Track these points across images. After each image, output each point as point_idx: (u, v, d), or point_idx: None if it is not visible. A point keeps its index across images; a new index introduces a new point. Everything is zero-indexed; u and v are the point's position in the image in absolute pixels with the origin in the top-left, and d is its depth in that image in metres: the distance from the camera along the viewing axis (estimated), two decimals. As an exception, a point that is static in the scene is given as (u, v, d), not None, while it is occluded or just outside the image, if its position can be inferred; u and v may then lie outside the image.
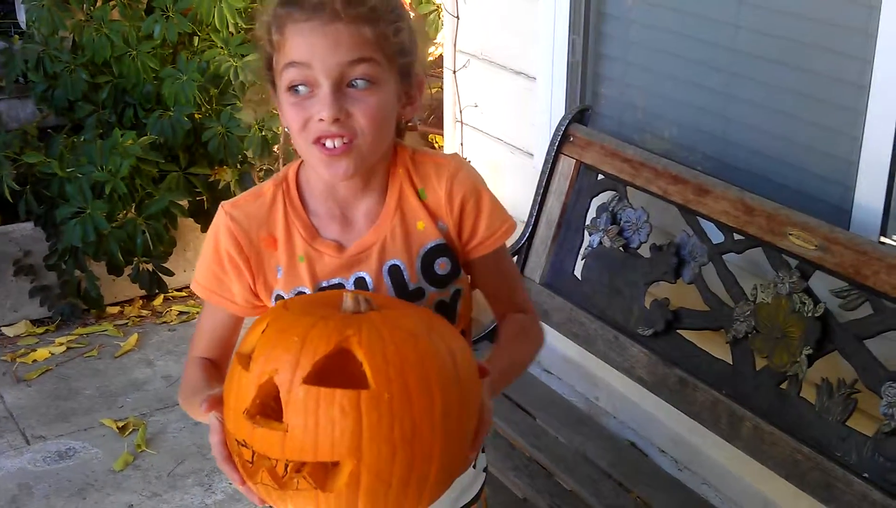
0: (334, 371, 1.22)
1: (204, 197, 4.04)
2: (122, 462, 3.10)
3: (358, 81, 1.38)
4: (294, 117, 1.40)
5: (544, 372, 3.04)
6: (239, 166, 4.04)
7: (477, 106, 3.40)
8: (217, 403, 1.33)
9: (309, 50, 1.37)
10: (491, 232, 1.53)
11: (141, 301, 4.12)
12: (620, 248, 2.52)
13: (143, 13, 4.11)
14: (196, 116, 3.99)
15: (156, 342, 3.85)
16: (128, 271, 3.88)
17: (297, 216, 1.50)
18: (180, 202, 3.91)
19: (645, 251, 2.48)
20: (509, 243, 1.74)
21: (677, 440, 2.73)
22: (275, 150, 3.85)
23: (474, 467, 1.62)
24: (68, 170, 3.71)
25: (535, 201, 2.76)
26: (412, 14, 3.78)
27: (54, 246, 3.81)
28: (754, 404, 2.13)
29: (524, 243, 2.75)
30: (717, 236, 2.29)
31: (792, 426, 2.04)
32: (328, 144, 1.39)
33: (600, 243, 2.57)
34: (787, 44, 2.35)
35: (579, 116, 2.73)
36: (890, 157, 2.09)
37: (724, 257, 2.27)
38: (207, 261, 1.52)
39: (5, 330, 3.88)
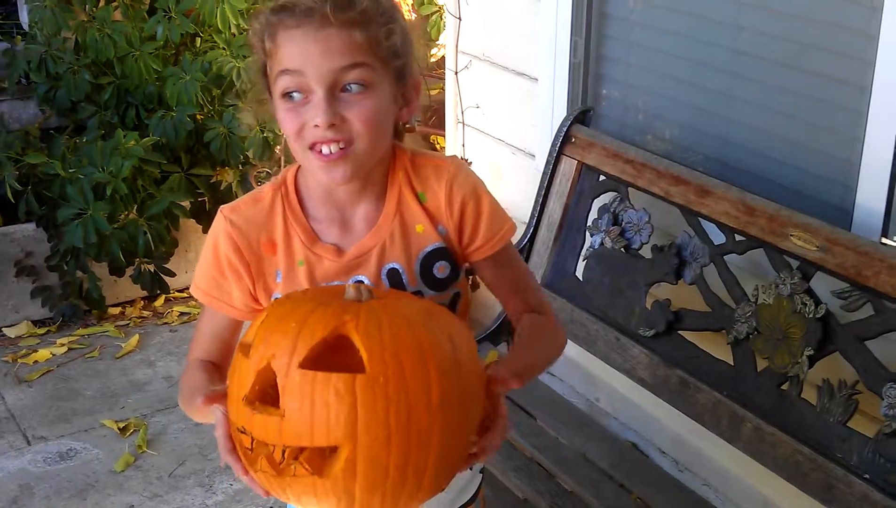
0: (335, 360, 1.22)
1: (206, 198, 4.05)
2: (122, 462, 3.10)
3: (351, 86, 1.38)
4: (289, 124, 1.40)
5: (545, 373, 3.03)
6: (241, 167, 4.05)
7: (479, 107, 3.41)
8: (219, 397, 1.33)
9: (301, 57, 1.37)
10: (491, 235, 1.53)
11: (142, 302, 4.13)
12: (622, 249, 2.52)
13: (146, 14, 4.12)
14: (198, 116, 3.99)
15: (157, 343, 3.85)
16: (129, 271, 3.88)
17: (296, 221, 1.50)
18: (182, 203, 3.91)
19: (646, 252, 2.48)
20: (510, 244, 1.73)
21: (678, 441, 2.73)
22: (276, 151, 3.86)
23: (471, 468, 1.61)
24: (70, 171, 3.72)
25: (536, 201, 2.76)
26: (414, 15, 3.79)
27: (56, 247, 3.81)
28: (755, 405, 2.12)
29: (525, 243, 2.75)
30: (718, 237, 2.29)
31: (793, 427, 2.04)
32: (324, 149, 1.39)
33: (602, 243, 2.57)
34: (789, 45, 2.35)
35: (581, 117, 2.73)
36: (891, 158, 2.09)
37: (725, 257, 2.26)
38: (207, 266, 1.52)
39: (7, 331, 3.89)
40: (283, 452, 1.22)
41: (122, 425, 3.30)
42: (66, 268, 3.83)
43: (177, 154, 3.97)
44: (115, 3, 4.09)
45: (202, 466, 3.10)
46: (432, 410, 1.21)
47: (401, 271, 1.49)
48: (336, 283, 1.49)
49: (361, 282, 1.49)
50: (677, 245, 2.37)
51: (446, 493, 1.38)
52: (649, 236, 2.48)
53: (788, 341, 2.07)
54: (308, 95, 1.38)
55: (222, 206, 1.52)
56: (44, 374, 3.62)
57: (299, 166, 1.52)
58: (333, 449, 1.20)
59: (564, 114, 2.84)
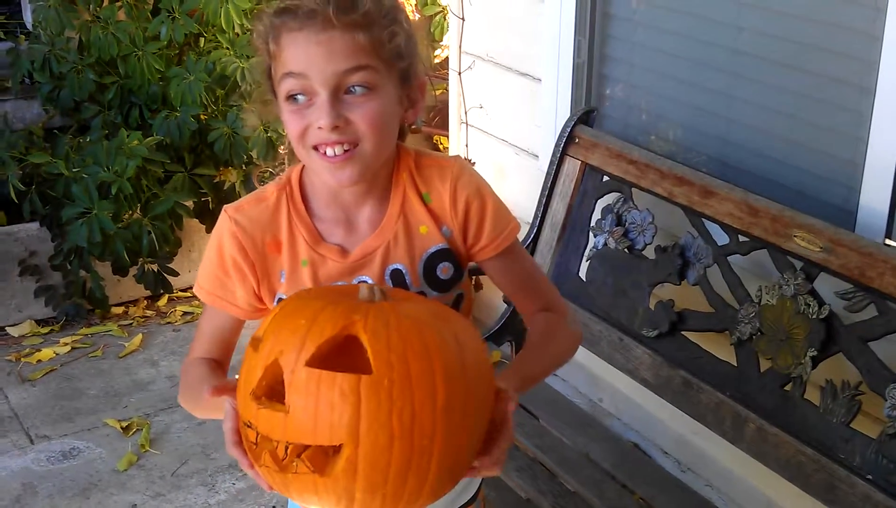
0: (345, 360, 1.21)
1: (209, 198, 4.05)
2: (125, 461, 3.11)
3: (355, 88, 1.38)
4: (293, 126, 1.40)
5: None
6: (244, 167, 4.05)
7: (482, 107, 3.41)
8: (227, 390, 1.33)
9: (304, 60, 1.37)
10: (496, 234, 1.53)
11: (146, 302, 4.13)
12: (625, 249, 2.52)
13: (150, 14, 4.12)
14: (202, 116, 3.99)
15: (160, 343, 3.86)
16: (133, 271, 3.89)
17: (300, 221, 1.49)
18: (186, 203, 3.92)
19: (650, 253, 2.48)
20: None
21: (681, 442, 2.73)
22: (280, 151, 3.86)
23: None
24: (74, 170, 3.72)
25: (539, 202, 2.76)
26: (417, 16, 3.79)
27: (60, 246, 3.81)
28: (758, 405, 2.12)
29: (529, 244, 2.75)
30: (721, 238, 2.29)
31: (796, 427, 2.04)
32: (329, 151, 1.39)
33: (605, 244, 2.57)
34: (793, 46, 2.35)
35: (585, 117, 2.73)
36: (895, 159, 2.09)
37: (728, 258, 2.26)
38: (211, 266, 1.52)
39: (10, 330, 3.89)
40: (287, 448, 1.22)
41: (124, 424, 3.30)
42: (69, 267, 3.84)
43: (180, 154, 3.98)
44: (118, 3, 4.10)
45: (205, 465, 3.10)
46: (437, 415, 1.20)
47: (404, 271, 1.49)
48: (340, 283, 1.48)
49: (368, 282, 1.49)
50: (681, 246, 2.37)
51: None
52: (653, 236, 2.48)
53: (792, 342, 2.07)
54: (312, 97, 1.38)
55: (226, 205, 1.52)
56: (47, 373, 3.63)
57: (303, 166, 1.51)
58: (337, 449, 1.20)
59: (568, 114, 2.85)
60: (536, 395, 2.70)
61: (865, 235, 2.08)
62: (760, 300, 2.15)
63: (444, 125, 3.71)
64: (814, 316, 2.04)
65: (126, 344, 3.81)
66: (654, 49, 2.77)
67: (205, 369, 1.53)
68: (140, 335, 3.87)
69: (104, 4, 4.11)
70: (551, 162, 2.75)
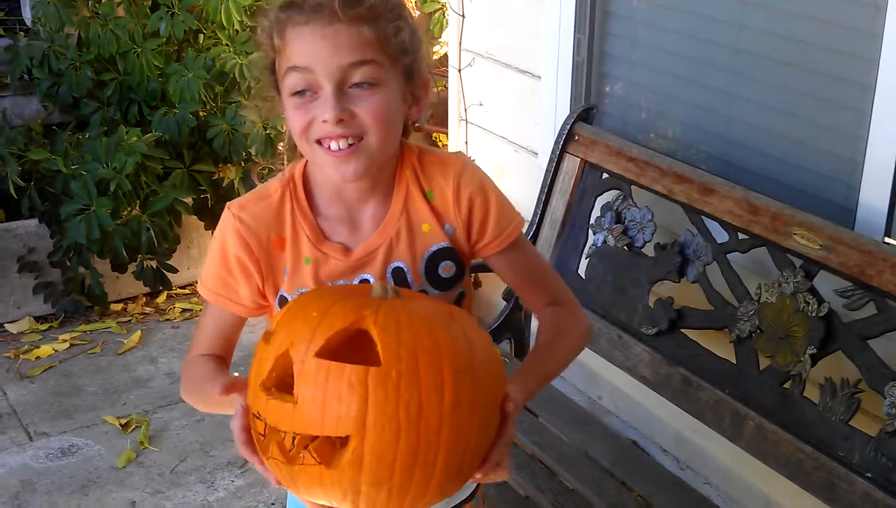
0: (356, 355, 1.21)
1: (208, 195, 4.05)
2: (124, 458, 3.11)
3: (360, 83, 1.37)
4: (297, 120, 1.39)
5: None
6: (243, 164, 4.05)
7: (482, 105, 3.41)
8: (238, 387, 1.33)
9: (310, 54, 1.36)
10: (500, 230, 1.53)
11: (144, 299, 4.13)
12: (625, 247, 2.52)
13: (149, 10, 4.12)
14: (201, 113, 3.99)
15: (159, 340, 3.85)
16: (132, 268, 3.89)
17: (304, 218, 1.48)
18: (185, 200, 3.91)
19: (649, 250, 2.48)
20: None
21: (680, 440, 2.73)
22: (279, 148, 3.86)
23: None
24: (73, 167, 3.72)
25: (539, 199, 2.76)
26: (417, 13, 3.79)
27: (58, 243, 3.81)
28: (758, 403, 2.13)
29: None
30: (721, 236, 2.29)
31: (795, 425, 2.04)
32: (333, 145, 1.38)
33: (604, 241, 2.57)
34: (793, 44, 2.35)
35: (584, 115, 2.73)
36: (895, 157, 2.09)
37: (728, 256, 2.26)
38: (214, 264, 1.51)
39: (9, 327, 3.89)
40: (294, 439, 1.22)
41: (123, 421, 3.30)
42: (68, 264, 3.84)
43: (179, 151, 3.97)
44: (118, 0, 4.10)
45: (204, 462, 3.10)
46: (444, 409, 1.20)
47: (406, 269, 1.49)
48: (342, 282, 1.48)
49: (366, 282, 1.48)
50: (680, 243, 2.37)
51: None
52: (652, 234, 2.48)
53: (791, 339, 2.07)
54: (317, 91, 1.37)
55: (229, 203, 1.51)
56: (46, 370, 3.62)
57: (306, 163, 1.51)
58: (344, 441, 1.20)
59: (567, 112, 2.84)
60: (535, 392, 2.69)
61: (865, 233, 2.08)
62: (760, 298, 2.15)
63: (443, 122, 3.71)
64: (813, 314, 2.04)
65: (125, 341, 3.81)
66: (654, 47, 2.77)
67: (209, 365, 1.52)
68: (139, 332, 3.87)
69: (103, 1, 4.11)
70: (551, 159, 2.75)
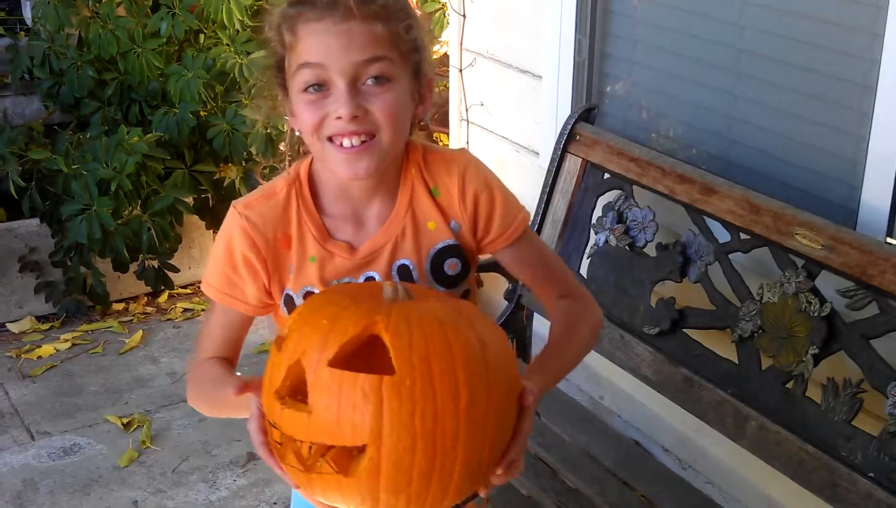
0: (368, 360, 1.21)
1: (209, 194, 4.05)
2: (126, 458, 3.11)
3: (373, 79, 1.37)
4: (309, 117, 1.39)
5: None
6: (244, 164, 4.05)
7: (483, 105, 3.41)
8: (251, 387, 1.32)
9: (323, 50, 1.36)
10: (505, 226, 1.53)
11: (146, 298, 4.13)
12: (626, 247, 2.52)
13: (149, 10, 4.12)
14: (201, 113, 3.99)
15: (161, 339, 3.86)
16: (133, 268, 3.89)
17: (309, 217, 1.48)
18: (186, 199, 3.92)
19: (651, 250, 2.48)
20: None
21: (682, 440, 2.73)
22: (280, 147, 3.86)
23: None
24: (74, 167, 3.73)
25: (540, 199, 2.76)
26: (418, 12, 3.79)
27: (60, 242, 3.82)
28: (760, 403, 2.13)
29: (530, 241, 2.75)
30: (723, 236, 2.29)
31: (797, 425, 2.04)
32: (345, 142, 1.38)
33: (606, 241, 2.57)
34: (794, 44, 2.35)
35: (585, 114, 2.73)
36: (897, 157, 2.09)
37: (730, 256, 2.27)
38: (219, 263, 1.50)
39: (10, 326, 3.89)
40: (310, 448, 1.22)
41: (125, 420, 3.30)
42: (69, 264, 3.84)
43: (180, 150, 3.98)
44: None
45: (206, 462, 3.10)
46: (459, 414, 1.20)
47: (411, 267, 1.49)
48: (346, 280, 1.48)
49: (371, 279, 1.49)
50: (682, 243, 2.37)
51: None
52: (654, 234, 2.48)
53: (793, 339, 2.07)
54: (329, 87, 1.37)
55: (234, 202, 1.50)
56: (47, 369, 3.63)
57: (311, 161, 1.51)
58: (361, 449, 1.20)
59: (569, 112, 2.84)
60: (537, 392, 2.70)
61: (867, 233, 2.08)
62: (762, 298, 2.15)
63: (444, 122, 3.71)
64: (815, 314, 2.04)
65: (126, 341, 3.82)
66: (655, 47, 2.77)
67: (218, 369, 1.52)
68: (140, 332, 3.87)
69: (103, 0, 4.11)
70: (552, 159, 2.75)
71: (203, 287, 1.54)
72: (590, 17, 2.87)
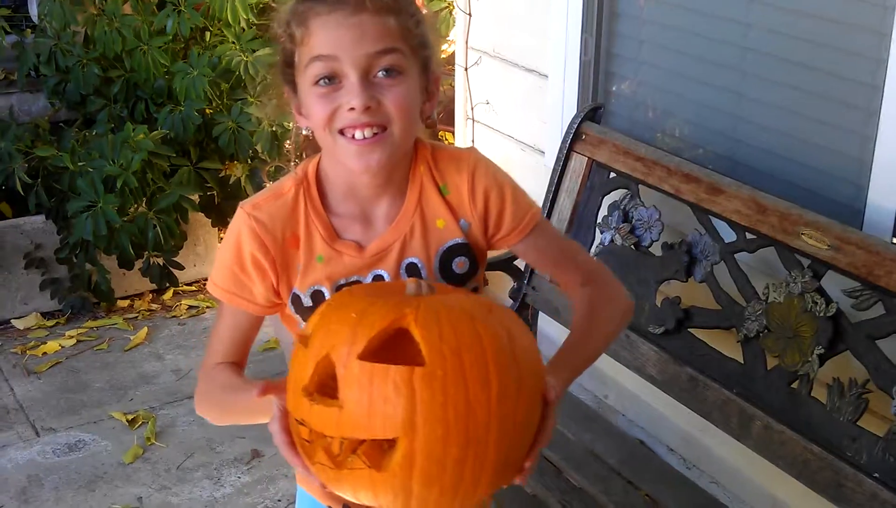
0: (396, 353, 1.21)
1: (215, 192, 4.06)
2: (131, 454, 3.12)
3: (385, 71, 1.37)
4: (320, 109, 1.38)
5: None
6: (249, 162, 4.05)
7: (488, 103, 3.41)
8: (275, 389, 1.31)
9: (335, 42, 1.36)
10: (517, 222, 1.53)
11: (151, 295, 4.14)
12: (632, 246, 2.52)
13: (155, 8, 4.12)
14: (207, 111, 3.99)
15: (165, 336, 3.86)
16: (138, 264, 3.90)
17: (317, 217, 1.48)
18: (191, 197, 3.92)
19: (656, 250, 2.48)
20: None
21: (687, 439, 2.73)
22: (286, 146, 3.86)
23: None
24: (80, 164, 3.73)
25: (546, 198, 2.76)
26: (424, 11, 3.79)
27: (65, 239, 3.82)
28: (765, 403, 2.13)
29: (535, 240, 2.75)
30: (729, 235, 2.29)
31: (802, 425, 2.04)
32: (357, 134, 1.38)
33: (612, 241, 2.57)
34: (801, 43, 2.35)
35: (591, 114, 2.73)
36: (903, 157, 2.09)
37: (735, 256, 2.27)
38: (227, 263, 1.49)
39: (16, 323, 3.90)
40: (341, 444, 1.21)
41: (130, 417, 3.31)
42: (75, 260, 3.85)
43: (186, 148, 3.98)
44: (124, -3, 4.11)
45: (210, 459, 3.11)
46: (491, 405, 1.19)
47: (420, 265, 1.49)
48: (355, 278, 1.48)
49: (380, 278, 1.49)
50: (688, 243, 2.37)
51: None
52: (659, 233, 2.48)
53: (799, 339, 2.07)
54: (341, 80, 1.37)
55: (242, 202, 1.50)
56: (53, 366, 3.64)
57: (319, 161, 1.51)
58: (391, 443, 1.19)
59: (575, 111, 2.84)
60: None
61: (873, 233, 2.08)
62: (767, 298, 2.15)
63: (449, 121, 3.71)
64: (821, 314, 2.04)
65: (131, 338, 3.82)
66: (661, 46, 2.77)
67: (231, 374, 1.51)
68: (145, 329, 3.88)
69: (110, -2, 4.12)
70: (558, 158, 2.75)
71: (209, 288, 1.53)
72: (596, 16, 2.87)
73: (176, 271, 3.97)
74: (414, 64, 1.41)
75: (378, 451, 1.20)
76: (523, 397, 1.24)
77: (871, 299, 1.98)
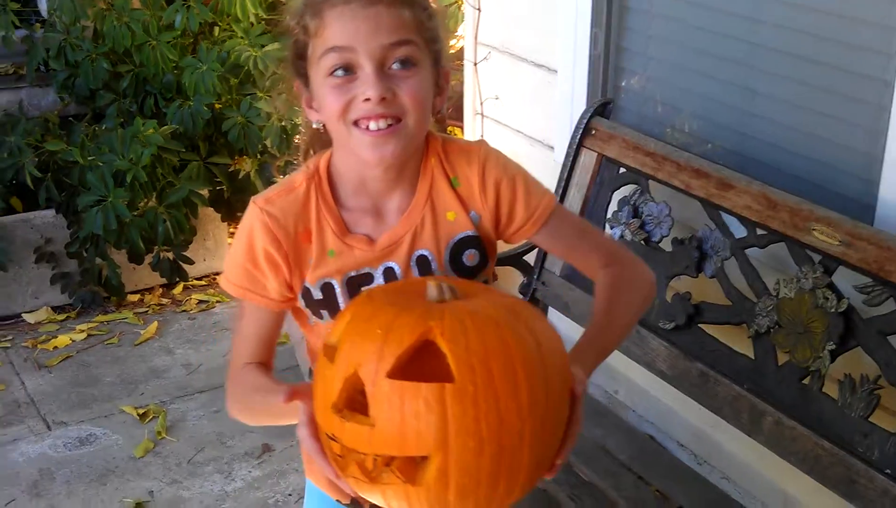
0: (422, 362, 1.20)
1: (224, 186, 4.06)
2: (142, 448, 3.13)
3: (400, 63, 1.37)
4: (335, 101, 1.38)
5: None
6: (259, 156, 4.06)
7: (497, 98, 3.41)
8: (301, 394, 1.31)
9: (351, 33, 1.36)
10: (529, 214, 1.52)
11: (161, 290, 4.15)
12: (642, 242, 2.52)
13: (164, 2, 4.13)
14: (216, 105, 4.00)
15: (175, 331, 3.88)
16: (148, 259, 3.91)
17: (328, 211, 1.48)
18: (201, 191, 3.93)
19: (667, 245, 2.48)
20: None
21: (697, 434, 2.73)
22: (295, 140, 3.86)
23: None
24: (89, 158, 3.74)
25: (555, 194, 2.75)
26: (434, 5, 3.78)
27: (75, 234, 3.83)
28: (776, 399, 2.13)
29: (545, 235, 2.75)
30: (739, 231, 2.29)
31: (814, 421, 2.04)
32: (372, 125, 1.38)
33: (622, 236, 2.57)
34: (811, 38, 2.34)
35: (601, 109, 2.73)
36: (915, 153, 2.09)
37: (746, 251, 2.26)
38: (240, 259, 1.49)
39: (27, 317, 3.91)
40: (375, 460, 1.21)
41: (141, 411, 3.32)
42: (85, 255, 3.86)
43: (195, 143, 3.99)
44: (134, -9, 4.11)
45: (221, 453, 3.12)
46: (522, 414, 1.19)
47: (430, 257, 1.49)
48: (366, 270, 1.48)
49: (391, 270, 1.49)
50: (698, 238, 2.37)
51: None
52: (669, 228, 2.48)
53: (810, 335, 2.07)
54: (356, 71, 1.37)
55: (254, 197, 1.50)
56: (63, 360, 3.65)
57: (330, 155, 1.51)
58: (425, 457, 1.19)
59: (584, 106, 2.84)
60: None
61: (884, 228, 2.08)
62: (778, 294, 2.15)
63: (458, 116, 3.71)
64: (832, 310, 2.04)
65: (142, 332, 3.84)
66: (671, 41, 2.76)
67: (259, 375, 1.50)
68: (155, 323, 3.89)
69: (119, -8, 4.12)
70: (567, 154, 2.75)
71: (222, 283, 1.53)
72: (605, 11, 2.87)
73: (186, 266, 3.99)
74: (427, 57, 1.42)
75: (412, 465, 1.20)
76: (553, 398, 1.24)
77: (882, 294, 1.98)
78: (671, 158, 2.45)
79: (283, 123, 3.88)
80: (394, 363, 1.20)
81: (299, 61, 1.45)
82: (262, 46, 3.90)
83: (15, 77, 4.45)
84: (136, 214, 3.73)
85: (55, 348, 3.72)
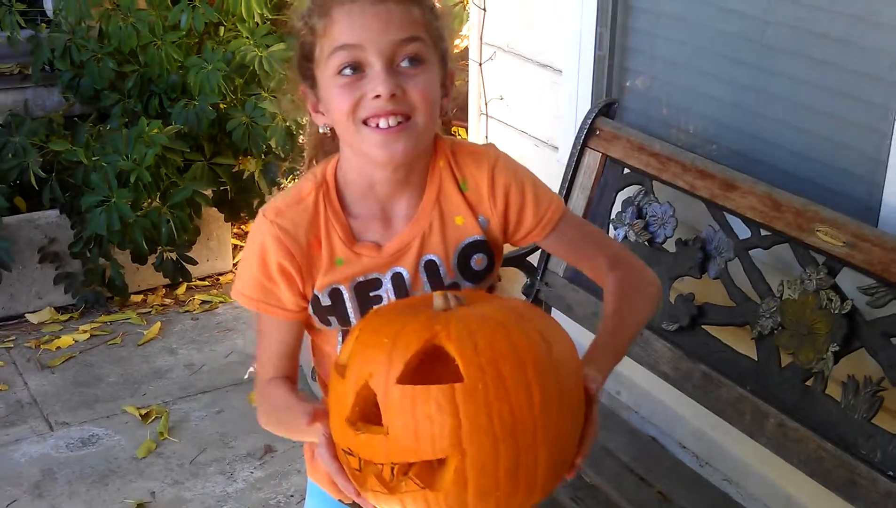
0: (431, 369, 1.20)
1: (228, 187, 4.06)
2: (144, 449, 3.13)
3: (408, 60, 1.37)
4: (344, 99, 1.37)
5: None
6: (263, 157, 4.06)
7: (502, 98, 3.40)
8: (320, 415, 1.32)
9: (360, 31, 1.35)
10: (538, 219, 1.52)
11: (164, 290, 4.15)
12: (646, 242, 2.51)
13: (170, 3, 4.13)
14: (221, 106, 4.00)
15: (179, 331, 3.87)
16: (152, 259, 3.91)
17: (336, 220, 1.47)
18: (205, 192, 3.93)
19: (670, 246, 2.47)
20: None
21: (700, 436, 2.72)
22: (300, 141, 3.86)
23: None
24: (94, 158, 3.74)
25: (559, 194, 2.75)
26: (438, 6, 3.78)
27: (79, 234, 3.83)
28: (779, 400, 2.11)
29: (548, 236, 2.74)
30: (743, 232, 2.27)
31: (817, 423, 2.03)
32: (382, 123, 1.37)
33: (625, 237, 2.56)
34: (817, 39, 2.33)
35: (605, 109, 2.72)
36: (920, 154, 2.07)
37: (750, 252, 2.25)
38: (253, 272, 1.48)
39: (30, 317, 3.91)
40: (392, 469, 1.21)
41: (143, 412, 3.32)
42: (88, 255, 3.86)
43: (199, 143, 3.99)
44: (139, -9, 4.12)
45: (223, 454, 3.11)
46: (535, 411, 1.18)
47: (438, 262, 1.48)
48: (374, 276, 1.47)
49: (399, 275, 1.48)
50: (702, 239, 2.36)
51: None
52: (673, 229, 2.47)
53: (813, 336, 2.06)
54: (365, 69, 1.36)
55: (264, 209, 1.48)
56: (66, 360, 3.65)
57: (337, 162, 1.49)
58: (442, 461, 1.19)
59: (589, 106, 2.84)
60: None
61: (889, 230, 2.06)
62: (782, 295, 2.14)
63: (463, 116, 3.70)
64: (836, 311, 2.02)
65: (145, 332, 3.83)
66: (677, 41, 2.75)
67: (285, 392, 1.50)
68: (158, 324, 3.89)
69: (124, -8, 4.13)
70: (571, 154, 2.74)
71: (236, 296, 1.51)
72: (611, 10, 2.86)
73: (189, 266, 3.99)
74: (435, 55, 1.41)
75: (429, 471, 1.20)
76: (565, 396, 1.23)
77: (886, 296, 1.97)
78: (676, 159, 2.44)
79: (287, 124, 3.87)
80: (402, 368, 1.20)
81: (306, 63, 1.45)
82: (268, 47, 3.91)
83: (20, 77, 4.45)
84: (139, 214, 3.73)
85: (58, 348, 3.72)
